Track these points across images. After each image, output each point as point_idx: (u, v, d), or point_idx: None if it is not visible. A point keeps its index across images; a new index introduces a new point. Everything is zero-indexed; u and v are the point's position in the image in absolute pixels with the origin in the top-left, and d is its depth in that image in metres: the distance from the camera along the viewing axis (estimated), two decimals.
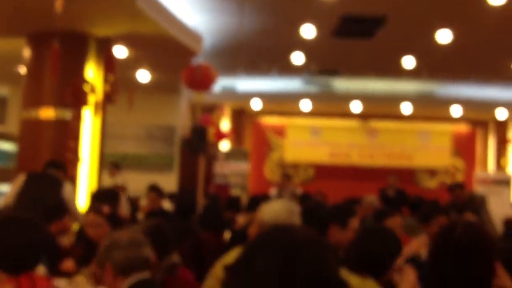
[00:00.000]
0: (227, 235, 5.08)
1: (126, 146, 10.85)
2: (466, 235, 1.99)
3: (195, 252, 4.34)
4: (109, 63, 7.25)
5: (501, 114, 12.03)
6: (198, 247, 4.36)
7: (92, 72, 7.16)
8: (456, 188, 7.58)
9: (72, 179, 6.39)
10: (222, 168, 11.98)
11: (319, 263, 1.23)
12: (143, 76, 9.44)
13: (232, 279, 1.28)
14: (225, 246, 4.43)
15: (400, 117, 12.62)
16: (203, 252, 4.33)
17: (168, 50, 7.91)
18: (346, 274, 1.31)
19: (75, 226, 4.60)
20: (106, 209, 3.46)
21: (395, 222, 3.60)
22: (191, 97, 10.34)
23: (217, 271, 3.00)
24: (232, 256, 3.02)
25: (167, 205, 6.43)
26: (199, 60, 8.17)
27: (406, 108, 11.85)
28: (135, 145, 10.92)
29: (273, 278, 1.20)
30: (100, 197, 4.39)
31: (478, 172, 12.41)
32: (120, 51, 7.72)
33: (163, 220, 4.53)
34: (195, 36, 8.00)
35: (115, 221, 3.40)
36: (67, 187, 4.85)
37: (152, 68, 9.14)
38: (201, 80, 7.74)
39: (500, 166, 12.76)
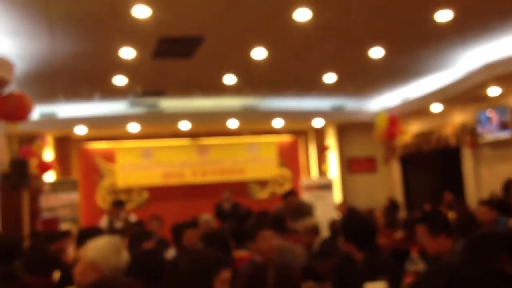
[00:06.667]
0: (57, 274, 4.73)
1: None
2: (277, 281, 1.99)
3: None
4: None
5: (318, 123, 12.98)
6: None
7: None
8: (289, 195, 8.01)
9: None
10: (49, 201, 11.20)
11: None
12: None
13: None
14: None
15: (228, 132, 12.95)
16: None
17: None
18: None
19: None
20: None
21: None
22: (7, 128, 9.53)
23: None
24: None
25: None
26: (11, 88, 7.57)
27: (233, 123, 12.22)
28: None
29: None
30: None
31: (303, 179, 13.21)
32: None
33: None
34: (5, 64, 7.38)
35: None
36: None
37: None
38: (15, 110, 7.19)
39: (322, 171, 13.71)
